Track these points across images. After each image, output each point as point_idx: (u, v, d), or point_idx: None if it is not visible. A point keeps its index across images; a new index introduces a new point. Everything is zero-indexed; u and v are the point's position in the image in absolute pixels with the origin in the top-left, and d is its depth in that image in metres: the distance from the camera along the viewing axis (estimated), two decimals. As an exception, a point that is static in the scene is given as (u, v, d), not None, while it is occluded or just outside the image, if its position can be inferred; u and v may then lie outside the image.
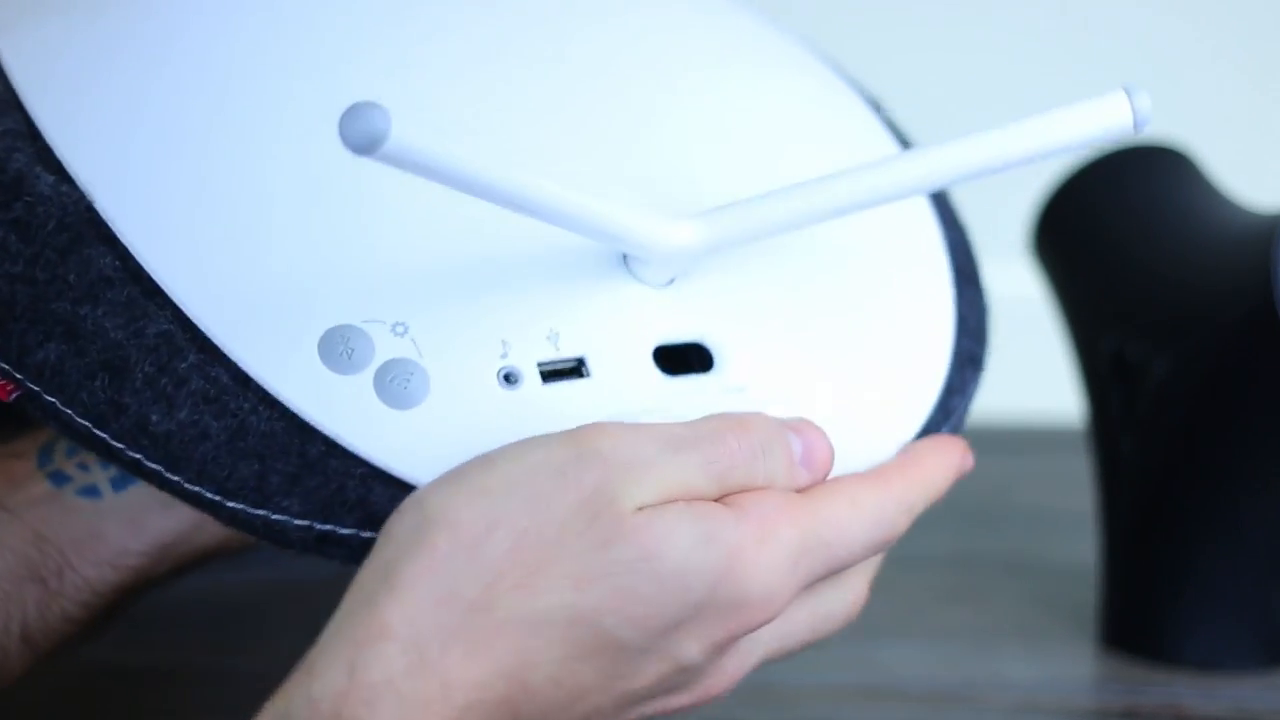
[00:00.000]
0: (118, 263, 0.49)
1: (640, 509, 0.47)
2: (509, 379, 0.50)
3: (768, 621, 0.49)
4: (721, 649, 0.49)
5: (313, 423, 0.48)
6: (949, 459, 0.54)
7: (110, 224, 0.49)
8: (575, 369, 0.50)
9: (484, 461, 0.47)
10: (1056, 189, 0.76)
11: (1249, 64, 1.14)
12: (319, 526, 0.49)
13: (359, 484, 0.49)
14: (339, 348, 0.49)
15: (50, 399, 0.48)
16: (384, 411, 0.48)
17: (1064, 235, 0.76)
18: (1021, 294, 0.92)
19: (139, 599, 0.58)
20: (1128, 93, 0.50)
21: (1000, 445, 1.07)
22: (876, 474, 0.52)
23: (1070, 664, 0.74)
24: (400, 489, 0.49)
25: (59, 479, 0.56)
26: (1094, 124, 0.51)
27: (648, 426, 0.48)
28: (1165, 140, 0.77)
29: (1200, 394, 0.71)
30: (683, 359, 0.52)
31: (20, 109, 0.51)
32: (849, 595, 0.53)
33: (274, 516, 0.49)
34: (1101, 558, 0.75)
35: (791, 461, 0.50)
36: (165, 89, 0.52)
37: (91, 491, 0.56)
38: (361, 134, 0.43)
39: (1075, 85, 1.15)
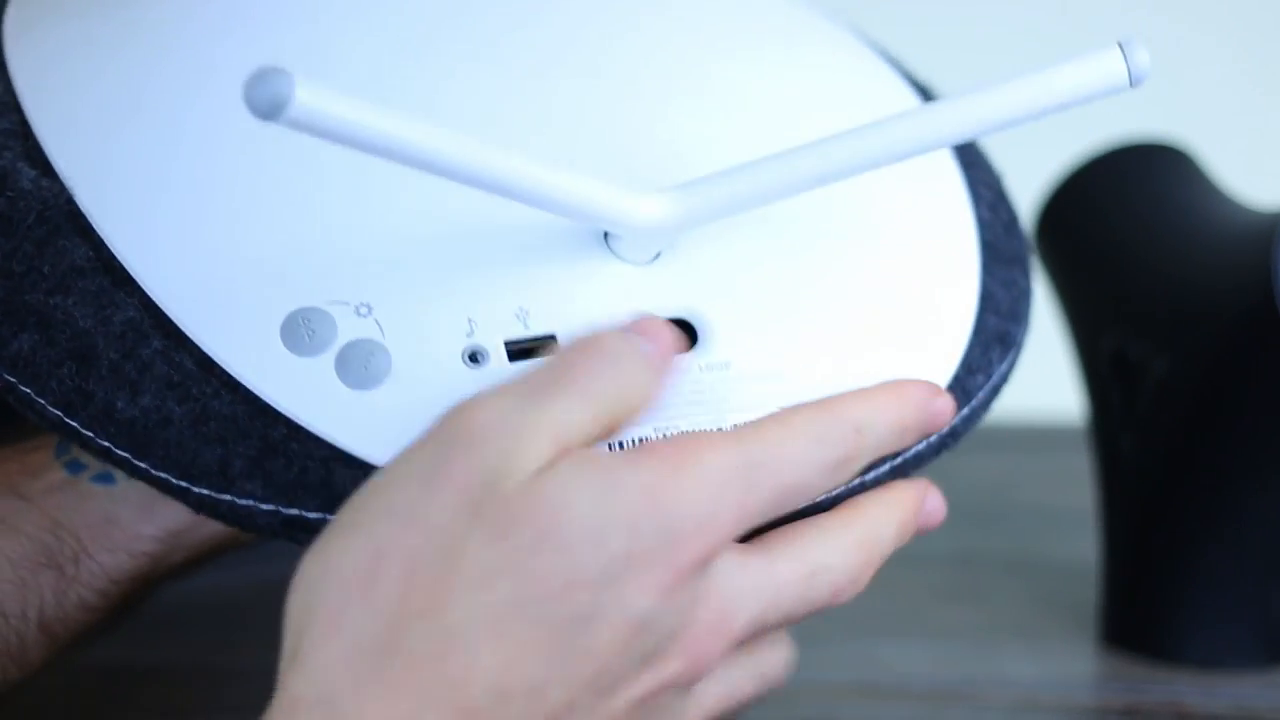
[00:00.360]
0: (91, 253, 0.50)
1: (527, 481, 0.44)
2: (474, 358, 0.49)
3: (718, 546, 0.45)
4: (677, 592, 0.45)
5: (274, 405, 0.49)
6: (902, 389, 0.50)
7: (88, 216, 0.50)
8: (547, 347, 0.50)
9: (354, 497, 0.45)
10: (1056, 187, 0.76)
11: (1249, 63, 1.14)
12: (285, 511, 0.49)
13: (320, 466, 0.49)
14: (301, 330, 0.49)
15: (25, 389, 0.49)
16: (345, 393, 0.49)
17: (1064, 233, 0.76)
18: (1022, 292, 0.92)
19: (154, 591, 0.58)
20: (1122, 47, 0.50)
21: (1001, 443, 1.07)
22: (814, 400, 0.49)
23: (1071, 662, 0.74)
24: (361, 470, 0.48)
25: (75, 467, 0.56)
26: (1089, 79, 0.49)
27: (504, 386, 0.45)
28: (1165, 138, 0.77)
29: (1201, 392, 0.71)
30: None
31: (18, 110, 0.52)
32: (845, 555, 0.49)
33: (240, 501, 0.49)
34: (1102, 556, 0.75)
35: (646, 360, 0.46)
36: (145, 88, 0.53)
37: (106, 478, 0.57)
38: (264, 99, 0.43)
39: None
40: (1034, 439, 1.07)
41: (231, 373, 0.49)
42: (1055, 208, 0.76)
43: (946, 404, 0.51)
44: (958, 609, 0.80)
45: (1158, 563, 0.73)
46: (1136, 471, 0.73)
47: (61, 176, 0.51)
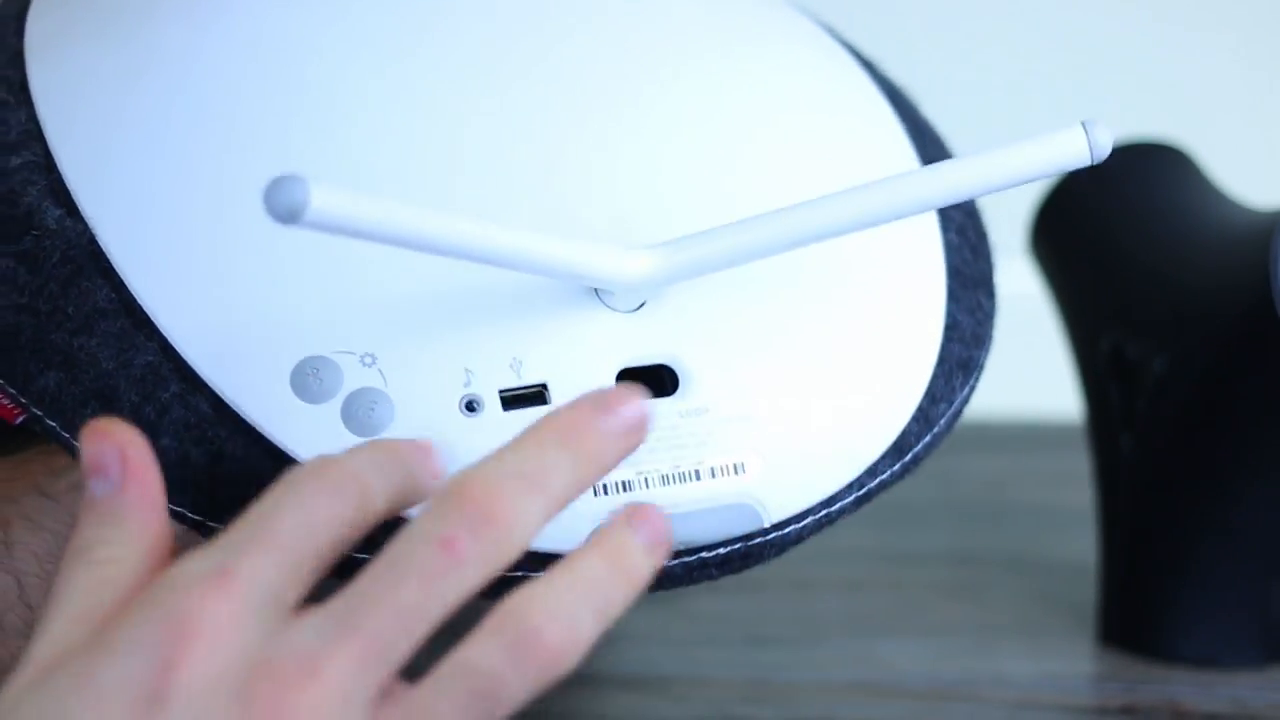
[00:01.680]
0: (113, 294, 0.52)
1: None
2: (470, 407, 0.52)
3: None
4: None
5: (284, 448, 0.51)
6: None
7: (110, 257, 0.52)
8: (538, 395, 0.52)
9: (51, 658, 0.45)
10: (1055, 187, 0.76)
11: (1249, 63, 1.14)
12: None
13: None
14: (309, 378, 0.51)
15: (51, 422, 0.52)
16: (349, 439, 0.51)
17: (1062, 233, 0.76)
18: (1020, 292, 0.92)
19: None
20: (1085, 127, 0.52)
21: (1000, 443, 1.07)
22: None
23: (1069, 660, 0.75)
24: None
25: None
26: (1051, 157, 0.52)
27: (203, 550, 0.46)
28: (1164, 138, 0.77)
29: (1199, 391, 0.71)
30: (658, 382, 0.54)
31: (41, 140, 0.54)
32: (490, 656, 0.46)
33: None
34: (1100, 555, 0.76)
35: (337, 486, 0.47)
36: (167, 131, 0.54)
37: None
38: (282, 206, 0.45)
39: (1074, 84, 1.15)
40: (1033, 438, 1.07)
41: (245, 417, 0.51)
42: (1054, 207, 0.76)
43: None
44: (956, 608, 0.80)
45: (1156, 562, 0.73)
46: (1135, 471, 0.73)
47: (84, 216, 0.53)
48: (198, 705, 0.43)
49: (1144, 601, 0.74)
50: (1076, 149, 0.52)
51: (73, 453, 0.52)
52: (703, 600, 0.80)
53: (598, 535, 0.48)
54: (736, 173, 0.58)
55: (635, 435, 0.49)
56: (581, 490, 0.48)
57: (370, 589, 0.45)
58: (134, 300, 0.52)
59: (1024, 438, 1.07)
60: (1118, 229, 0.75)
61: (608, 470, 0.49)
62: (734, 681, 0.72)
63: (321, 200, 0.45)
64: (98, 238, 0.52)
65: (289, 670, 0.44)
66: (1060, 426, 0.98)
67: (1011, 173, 0.52)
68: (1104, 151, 0.52)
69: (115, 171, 0.53)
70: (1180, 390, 0.71)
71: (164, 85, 0.55)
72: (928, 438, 0.57)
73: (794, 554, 0.79)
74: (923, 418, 0.57)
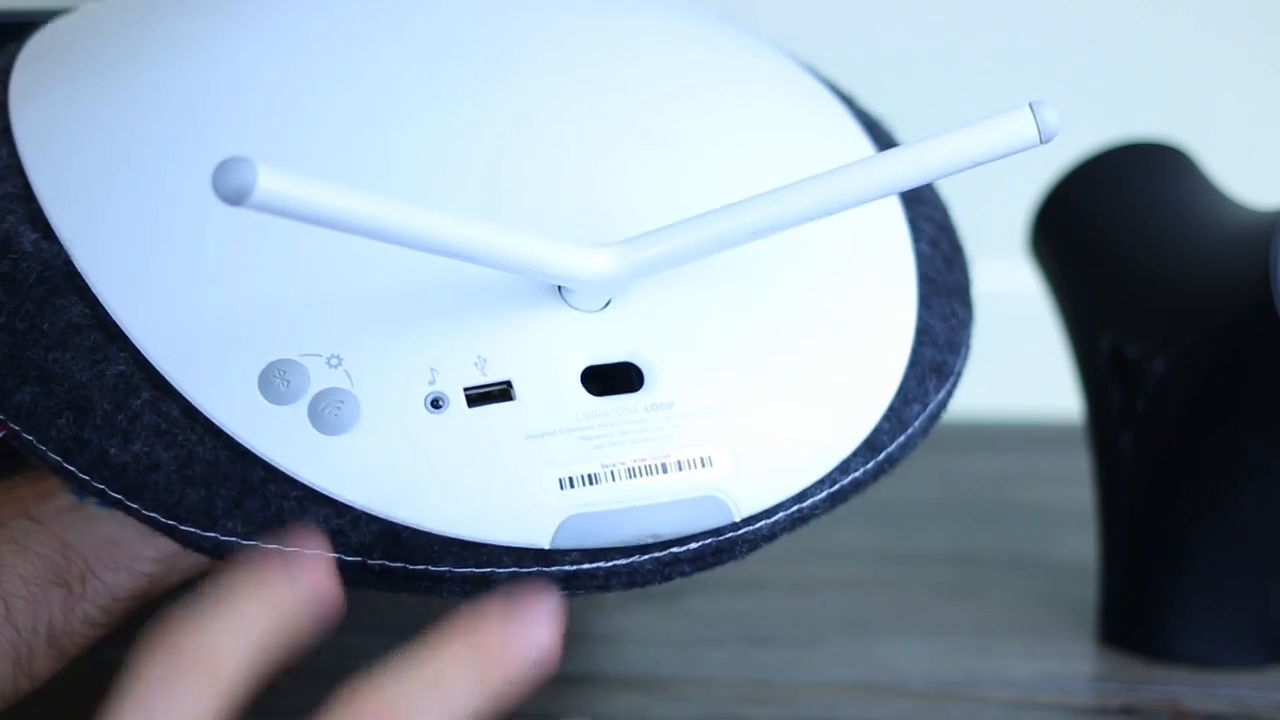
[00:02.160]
0: (87, 310, 0.53)
1: None
2: (436, 404, 0.53)
3: None
4: None
5: (253, 450, 0.52)
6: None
7: (84, 275, 0.54)
8: (503, 392, 0.53)
9: None
10: (1054, 186, 0.76)
11: (1248, 63, 1.14)
12: (265, 546, 0.52)
13: (295, 505, 0.52)
14: (276, 381, 0.52)
15: (28, 436, 0.53)
16: (317, 438, 0.52)
17: (1062, 233, 0.76)
18: (1020, 291, 0.92)
19: (154, 610, 0.60)
20: (1033, 108, 0.52)
21: (999, 442, 1.07)
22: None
23: (1069, 660, 0.75)
24: (332, 508, 0.52)
25: (81, 492, 0.58)
26: (1000, 139, 0.52)
27: None
28: (1163, 138, 0.77)
29: (1199, 391, 0.71)
30: (625, 379, 0.54)
31: (21, 174, 0.56)
32: None
33: (222, 538, 0.52)
34: (1100, 555, 0.76)
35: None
36: (134, 159, 0.56)
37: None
38: (230, 187, 0.46)
39: (1075, 84, 1.15)
40: (1033, 438, 1.07)
41: (214, 420, 0.52)
42: (1054, 207, 0.76)
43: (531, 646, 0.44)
44: (956, 608, 0.80)
45: (1156, 562, 0.73)
46: (1135, 471, 0.73)
47: (60, 239, 0.54)
48: None
49: (1144, 601, 0.74)
50: (1025, 130, 0.52)
51: (46, 463, 0.53)
52: (703, 600, 0.80)
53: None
54: (700, 182, 0.58)
55: (545, 663, 0.43)
56: (486, 706, 0.43)
57: None
58: (107, 315, 0.53)
59: (1024, 438, 1.07)
60: (1118, 229, 0.75)
61: (514, 689, 0.43)
62: (734, 681, 0.72)
63: (269, 181, 0.46)
64: (73, 258, 0.54)
65: None
66: (1060, 426, 0.98)
67: (961, 156, 0.52)
68: (1053, 132, 0.52)
69: (87, 195, 0.55)
70: (1180, 390, 0.71)
71: (131, 117, 0.57)
72: (902, 438, 0.58)
73: (794, 554, 0.79)
74: (895, 417, 0.58)
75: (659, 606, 0.79)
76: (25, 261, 0.54)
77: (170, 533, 0.53)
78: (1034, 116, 0.52)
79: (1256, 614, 0.73)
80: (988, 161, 0.53)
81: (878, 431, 0.57)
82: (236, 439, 0.52)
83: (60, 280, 0.54)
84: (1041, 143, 0.52)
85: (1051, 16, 1.14)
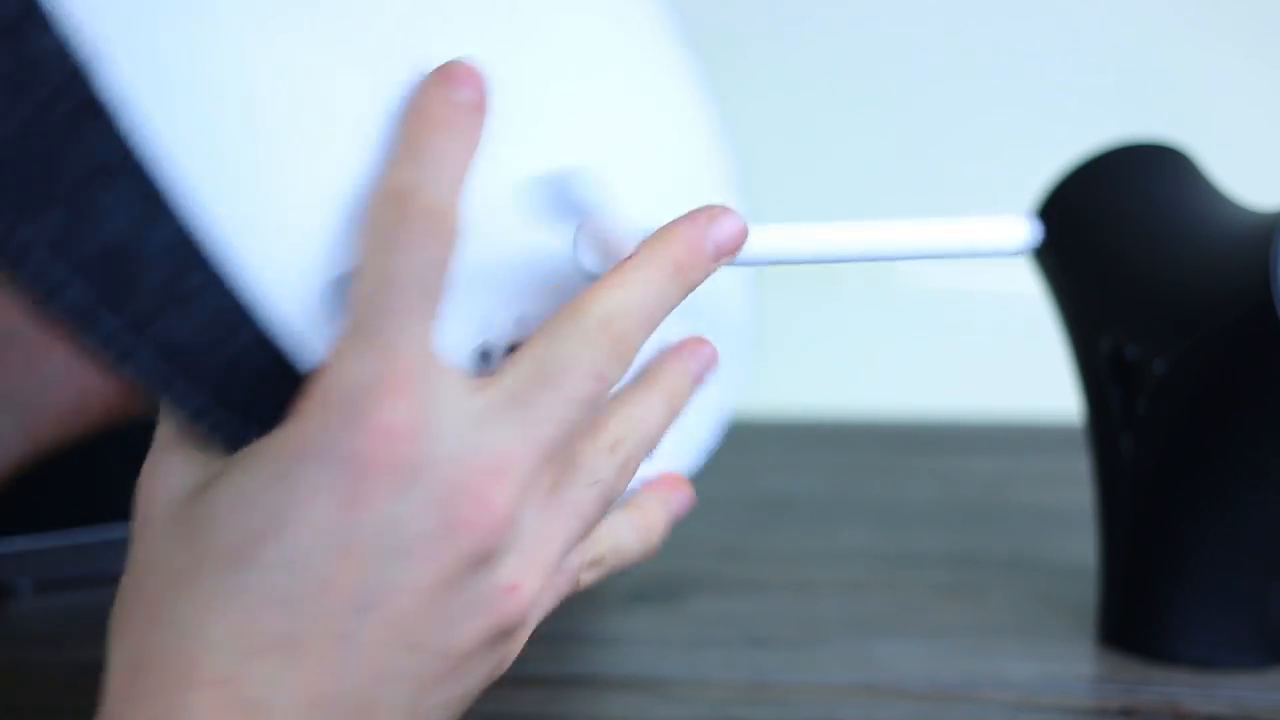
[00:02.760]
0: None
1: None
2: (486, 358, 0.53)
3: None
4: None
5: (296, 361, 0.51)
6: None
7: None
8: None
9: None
10: (1055, 187, 0.76)
11: (1249, 63, 1.14)
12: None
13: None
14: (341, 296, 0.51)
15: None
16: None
17: (1062, 234, 0.76)
18: (1020, 291, 0.92)
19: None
20: (1027, 219, 0.58)
21: (999, 443, 1.07)
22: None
23: (1069, 662, 0.74)
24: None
25: None
26: (985, 239, 0.58)
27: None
28: (1163, 139, 0.77)
29: (1199, 393, 0.71)
30: None
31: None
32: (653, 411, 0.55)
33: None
34: (1100, 556, 0.76)
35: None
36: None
37: None
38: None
39: (1075, 85, 1.15)
40: (1032, 439, 1.07)
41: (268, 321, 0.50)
42: (1054, 208, 0.76)
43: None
44: (956, 609, 0.80)
45: (1156, 563, 0.73)
46: (1135, 472, 0.73)
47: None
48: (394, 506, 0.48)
49: (1144, 603, 0.74)
50: (1012, 236, 0.58)
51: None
52: (703, 602, 0.80)
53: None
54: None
55: (730, 251, 0.54)
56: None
57: (540, 396, 0.51)
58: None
59: (1024, 438, 1.07)
60: (1117, 230, 0.75)
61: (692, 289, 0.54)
62: (734, 683, 0.72)
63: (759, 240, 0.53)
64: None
65: (481, 471, 0.49)
66: (1060, 426, 0.98)
67: (941, 246, 0.58)
68: (1030, 245, 0.58)
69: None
70: (1180, 391, 0.71)
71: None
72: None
73: (794, 556, 0.79)
74: None
75: (660, 608, 0.79)
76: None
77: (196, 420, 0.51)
78: (1025, 227, 0.58)
79: (1256, 615, 0.73)
80: (960, 257, 0.58)
81: None
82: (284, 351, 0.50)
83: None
84: (1016, 254, 0.58)
85: (1052, 17, 1.14)
